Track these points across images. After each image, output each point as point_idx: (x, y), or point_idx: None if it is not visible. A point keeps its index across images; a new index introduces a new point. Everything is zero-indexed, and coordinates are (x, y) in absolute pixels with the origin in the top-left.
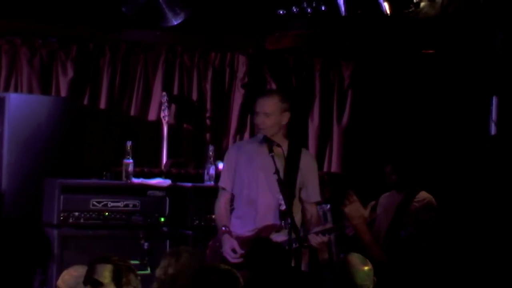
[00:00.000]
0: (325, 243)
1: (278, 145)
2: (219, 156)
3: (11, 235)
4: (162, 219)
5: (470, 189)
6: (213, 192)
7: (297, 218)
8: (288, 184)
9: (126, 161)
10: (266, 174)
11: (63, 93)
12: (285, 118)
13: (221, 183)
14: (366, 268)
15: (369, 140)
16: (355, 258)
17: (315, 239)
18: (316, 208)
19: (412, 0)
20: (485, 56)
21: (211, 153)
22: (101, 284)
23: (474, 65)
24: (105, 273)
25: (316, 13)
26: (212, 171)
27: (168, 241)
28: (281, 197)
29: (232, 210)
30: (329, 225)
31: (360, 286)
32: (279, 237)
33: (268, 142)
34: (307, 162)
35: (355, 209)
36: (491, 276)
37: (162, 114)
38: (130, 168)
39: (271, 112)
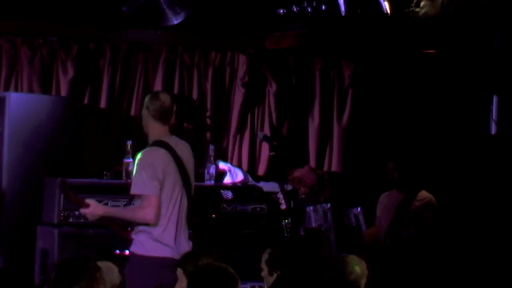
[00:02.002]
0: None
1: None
2: (220, 155)
3: (11, 234)
4: None
5: (470, 188)
6: (214, 191)
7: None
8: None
9: (126, 160)
10: None
11: (63, 93)
12: (144, 119)
13: None
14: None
15: (370, 140)
16: (351, 257)
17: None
18: None
19: (413, 0)
20: (485, 56)
21: (211, 153)
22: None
23: (474, 64)
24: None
25: (316, 12)
26: (212, 170)
27: None
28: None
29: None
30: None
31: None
32: None
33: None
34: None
35: None
36: (491, 276)
37: None
38: (130, 167)
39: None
